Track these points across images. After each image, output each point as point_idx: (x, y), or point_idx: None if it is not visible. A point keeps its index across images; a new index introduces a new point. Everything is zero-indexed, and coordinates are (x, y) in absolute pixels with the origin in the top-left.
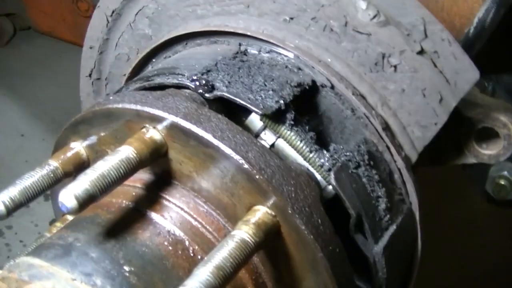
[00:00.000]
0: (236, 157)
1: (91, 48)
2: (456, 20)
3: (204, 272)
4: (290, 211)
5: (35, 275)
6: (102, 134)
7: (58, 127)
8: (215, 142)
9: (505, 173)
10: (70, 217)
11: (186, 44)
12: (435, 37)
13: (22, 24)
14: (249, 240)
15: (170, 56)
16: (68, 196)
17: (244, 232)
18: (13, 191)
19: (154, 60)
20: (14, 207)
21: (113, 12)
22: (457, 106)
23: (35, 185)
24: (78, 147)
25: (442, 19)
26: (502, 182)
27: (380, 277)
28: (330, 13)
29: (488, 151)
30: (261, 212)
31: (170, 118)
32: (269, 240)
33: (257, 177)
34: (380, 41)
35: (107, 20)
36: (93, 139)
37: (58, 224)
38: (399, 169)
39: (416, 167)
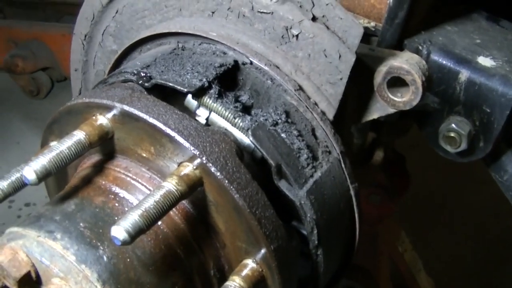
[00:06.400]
0: (159, 124)
1: (76, 70)
2: None
3: (133, 214)
4: (204, 161)
5: (11, 238)
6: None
7: None
8: (141, 115)
9: (453, 125)
10: None
11: (141, 51)
12: (320, 3)
13: (58, 76)
14: (172, 189)
15: None
16: (29, 171)
17: (168, 183)
18: (2, 183)
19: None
20: (3, 197)
21: (85, 36)
22: (366, 63)
23: (20, 179)
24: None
25: None
26: (452, 134)
27: (310, 219)
28: (240, 2)
29: (402, 99)
30: (185, 168)
31: (109, 103)
32: (193, 190)
33: (176, 138)
34: (282, 17)
35: (83, 44)
36: None
37: None
38: (321, 126)
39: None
